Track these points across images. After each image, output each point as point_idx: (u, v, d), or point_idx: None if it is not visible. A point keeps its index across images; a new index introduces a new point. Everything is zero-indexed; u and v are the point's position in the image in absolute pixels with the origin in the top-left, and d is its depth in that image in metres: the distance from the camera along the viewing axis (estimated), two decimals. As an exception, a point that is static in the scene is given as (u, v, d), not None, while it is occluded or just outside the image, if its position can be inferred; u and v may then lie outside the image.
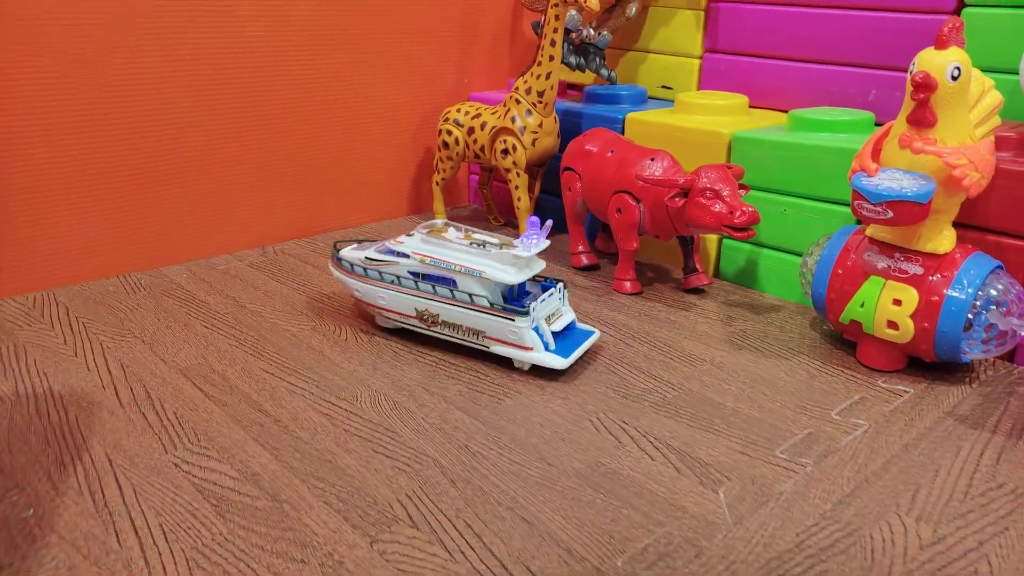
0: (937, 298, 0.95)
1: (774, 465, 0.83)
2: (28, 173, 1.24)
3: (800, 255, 1.26)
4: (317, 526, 0.73)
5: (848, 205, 1.18)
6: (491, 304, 1.01)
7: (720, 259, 1.39)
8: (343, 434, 0.88)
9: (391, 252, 1.09)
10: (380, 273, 1.09)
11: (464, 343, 1.06)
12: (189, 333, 1.13)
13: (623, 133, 1.49)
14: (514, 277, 1.01)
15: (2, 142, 1.20)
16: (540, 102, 1.45)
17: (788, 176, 1.25)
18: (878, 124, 1.26)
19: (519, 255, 1.01)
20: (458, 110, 1.58)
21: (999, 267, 0.97)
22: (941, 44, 0.92)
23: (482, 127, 1.52)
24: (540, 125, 1.46)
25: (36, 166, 1.25)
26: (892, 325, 0.98)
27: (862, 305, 1.01)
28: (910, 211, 0.91)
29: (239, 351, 1.08)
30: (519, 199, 1.51)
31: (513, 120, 1.47)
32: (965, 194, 0.93)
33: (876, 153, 0.99)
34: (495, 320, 1.01)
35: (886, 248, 1.00)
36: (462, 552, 0.69)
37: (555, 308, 1.06)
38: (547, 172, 1.62)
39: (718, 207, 1.13)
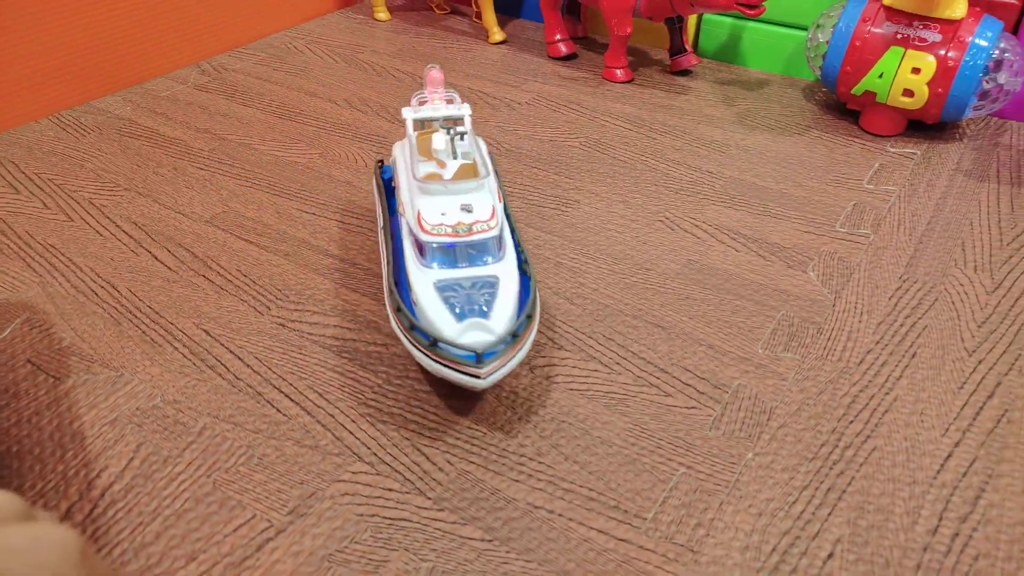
0: (953, 63, 1.01)
1: (841, 240, 0.90)
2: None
3: (782, 25, 1.28)
4: (466, 363, 0.73)
5: (842, -29, 1.19)
6: None
7: (699, 36, 1.37)
8: (432, 267, 0.86)
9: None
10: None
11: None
12: (187, 178, 1.02)
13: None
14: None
15: None
16: None
17: (778, -58, 1.22)
18: None
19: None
20: None
21: (1003, 27, 1.04)
22: None
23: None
24: None
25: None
26: (908, 93, 1.04)
27: (880, 76, 1.05)
28: None
29: (258, 192, 0.99)
30: (480, -15, 1.39)
31: None
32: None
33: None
34: None
35: (904, 17, 1.03)
36: (619, 364, 0.73)
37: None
38: (500, -50, 1.48)
39: (732, -17, 1.10)
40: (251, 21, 1.44)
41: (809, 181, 1.01)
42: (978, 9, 1.03)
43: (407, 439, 0.65)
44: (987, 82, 1.02)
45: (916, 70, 1.02)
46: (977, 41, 1.00)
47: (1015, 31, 1.11)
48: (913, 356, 0.74)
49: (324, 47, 1.42)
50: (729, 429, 0.66)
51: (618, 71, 1.29)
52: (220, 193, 0.99)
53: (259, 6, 1.44)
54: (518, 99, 1.23)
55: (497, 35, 1.44)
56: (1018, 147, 1.08)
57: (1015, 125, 1.14)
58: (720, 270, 0.85)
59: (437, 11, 1.60)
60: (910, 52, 1.03)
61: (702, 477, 0.62)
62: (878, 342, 0.75)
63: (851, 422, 0.67)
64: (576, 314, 0.79)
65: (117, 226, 0.92)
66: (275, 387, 0.71)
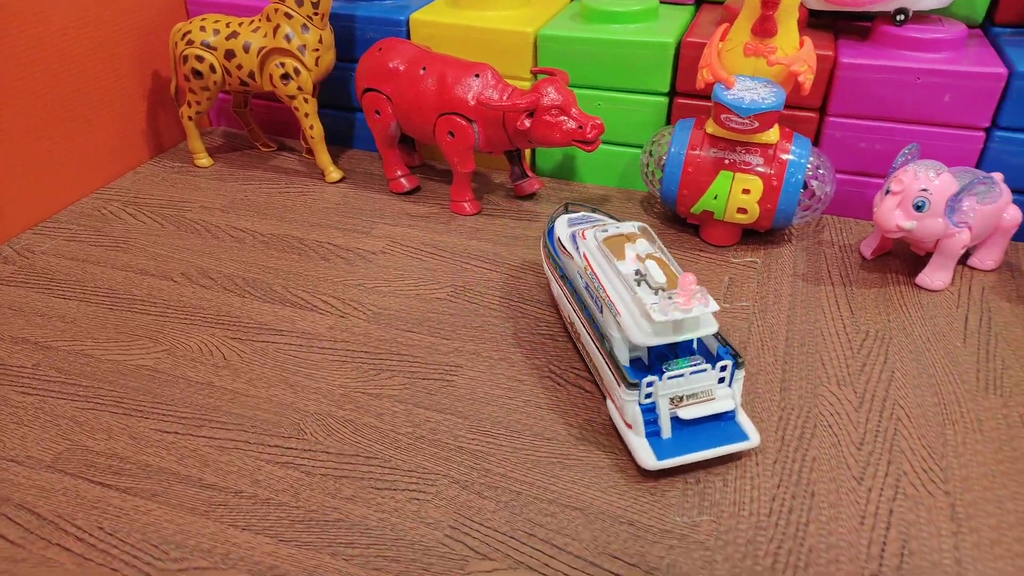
0: (777, 183, 1.10)
1: (717, 371, 0.94)
2: None
3: (615, 144, 1.34)
4: (389, 598, 0.68)
5: (660, 95, 1.27)
6: (611, 354, 0.82)
7: (536, 156, 1.41)
8: (327, 481, 0.80)
9: (574, 240, 0.93)
10: (559, 266, 0.97)
11: (593, 377, 0.92)
12: (11, 410, 0.89)
13: (408, 37, 1.38)
14: (640, 337, 0.77)
15: None
16: (316, 13, 1.27)
17: (598, 71, 1.29)
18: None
19: (652, 317, 0.76)
20: (201, 28, 1.31)
21: (810, 143, 1.15)
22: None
23: (245, 49, 1.30)
24: (320, 40, 1.29)
25: None
26: (741, 211, 1.13)
27: (715, 198, 1.13)
28: (770, 118, 1.02)
29: (104, 414, 0.88)
30: (311, 126, 1.35)
31: (287, 38, 1.27)
32: (802, 92, 1.07)
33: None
34: (608, 374, 0.83)
35: (726, 144, 1.12)
36: (548, 566, 0.71)
37: (699, 390, 0.81)
38: (324, 86, 1.45)
39: (569, 124, 1.14)
40: (52, 187, 1.30)
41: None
42: (788, 129, 1.14)
43: None
44: (808, 196, 1.13)
45: (746, 191, 1.11)
46: (793, 159, 1.10)
47: (816, 141, 1.23)
48: (812, 495, 0.78)
49: (144, 208, 1.31)
50: (672, 622, 0.66)
51: (466, 204, 1.30)
52: (58, 424, 0.87)
53: (58, 167, 1.31)
54: (371, 248, 1.20)
55: (334, 174, 1.40)
56: (839, 242, 1.20)
57: (831, 220, 1.26)
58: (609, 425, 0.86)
59: (263, 149, 1.53)
60: (738, 175, 1.11)
61: None
62: (779, 485, 0.79)
63: (780, 587, 0.69)
64: (490, 510, 0.77)
65: (-66, 493, 0.78)
66: None
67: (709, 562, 0.71)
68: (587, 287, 0.88)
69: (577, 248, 0.91)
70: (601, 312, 0.85)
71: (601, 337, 0.84)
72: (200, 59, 1.31)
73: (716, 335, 0.83)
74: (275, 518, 0.76)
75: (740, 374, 0.81)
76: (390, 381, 0.93)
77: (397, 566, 0.71)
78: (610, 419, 0.86)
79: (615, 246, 0.87)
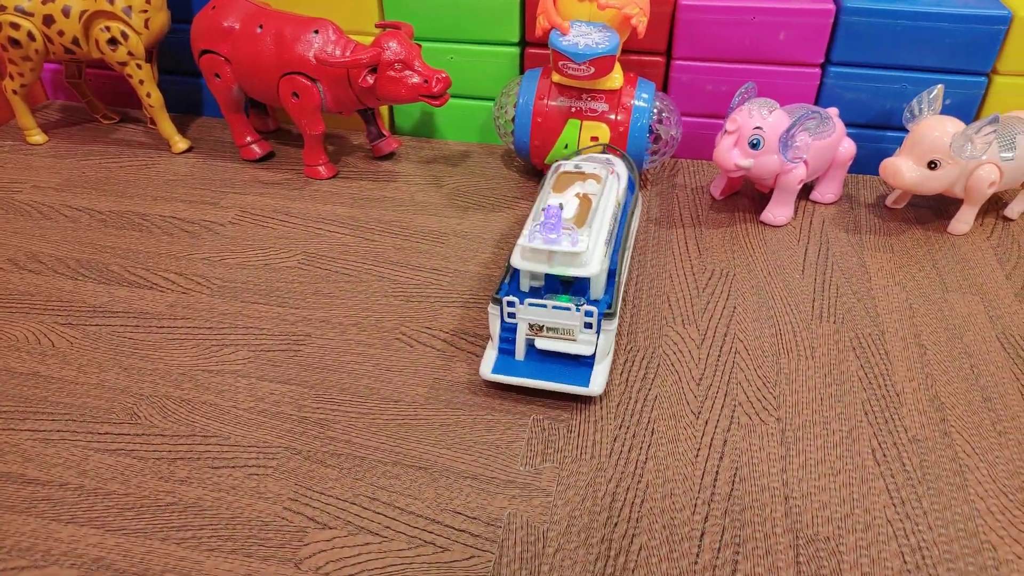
0: (623, 129, 1.11)
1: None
2: None
3: (471, 98, 1.32)
4: (223, 578, 0.66)
5: (511, 45, 1.25)
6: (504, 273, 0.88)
7: (394, 115, 1.38)
8: (160, 464, 0.76)
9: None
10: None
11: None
12: None
13: (246, -5, 1.30)
14: (515, 259, 0.82)
15: None
16: (141, -27, 1.18)
17: (447, 23, 1.26)
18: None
19: (521, 242, 0.81)
20: (14, -7, 1.21)
21: (654, 87, 1.16)
22: None
23: (65, 13, 1.20)
24: (148, 1, 1.21)
25: None
26: (592, 158, 1.13)
27: (566, 147, 1.13)
28: (606, 63, 1.02)
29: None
30: (148, 94, 1.27)
31: (111, 0, 1.18)
32: (637, 36, 1.06)
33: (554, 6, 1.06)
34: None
35: (573, 91, 1.11)
36: (389, 528, 0.70)
37: (560, 326, 0.83)
38: (166, 51, 1.37)
39: (413, 79, 1.11)
40: None
41: (527, 260, 1.06)
42: (632, 75, 1.14)
43: None
44: (653, 139, 1.14)
45: (594, 138, 1.11)
46: (637, 104, 1.11)
47: (663, 86, 1.24)
48: (652, 433, 0.79)
49: (-31, 191, 1.21)
50: (510, 570, 0.67)
51: (320, 167, 1.25)
52: None
53: None
54: (219, 219, 1.15)
55: (180, 143, 1.33)
56: (690, 184, 1.22)
57: (685, 164, 1.28)
58: (466, 383, 0.86)
59: (104, 121, 1.43)
60: (586, 123, 1.11)
61: (496, 638, 0.61)
62: (620, 425, 0.80)
63: (615, 524, 0.70)
64: (332, 478, 0.75)
65: None
66: None
67: (549, 507, 0.72)
68: None
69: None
70: None
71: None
72: (15, 26, 1.20)
73: (612, 287, 0.86)
74: (102, 508, 0.72)
75: (610, 325, 0.82)
76: (233, 356, 0.89)
77: (232, 544, 0.69)
78: (459, 382, 0.86)
79: (567, 180, 0.91)
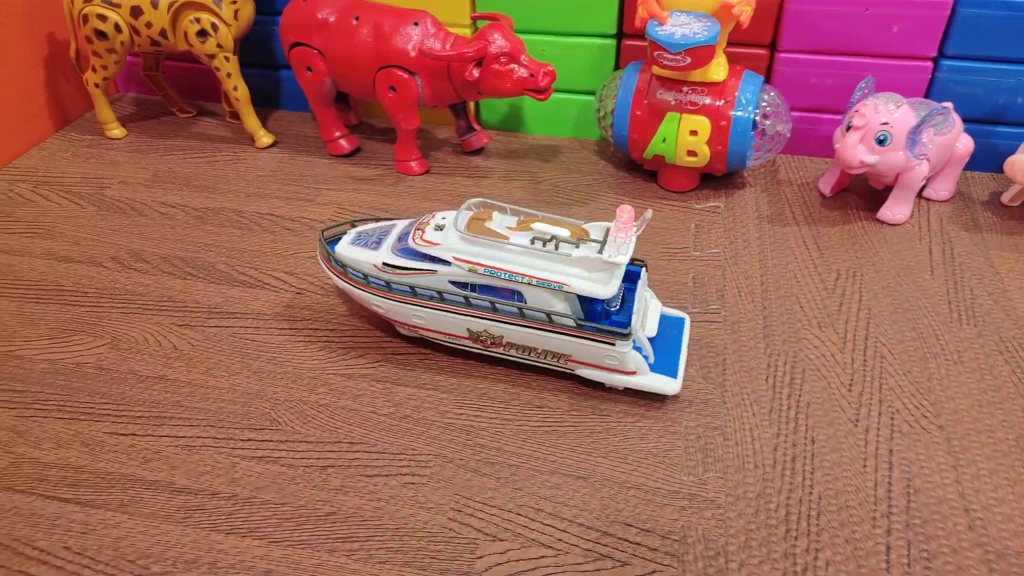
0: (725, 122, 1.08)
1: (698, 322, 0.92)
2: None
3: (563, 92, 1.29)
4: (399, 593, 0.64)
5: (607, 37, 1.22)
6: (577, 324, 0.77)
7: (479, 109, 1.35)
8: (312, 472, 0.74)
9: (421, 256, 0.80)
10: (412, 288, 0.81)
11: (537, 364, 0.84)
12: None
13: (336, -15, 1.27)
14: (606, 289, 0.74)
15: None
16: (232, -39, 1.15)
17: (541, 14, 1.23)
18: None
19: (611, 261, 0.73)
20: (102, -16, 1.18)
21: (763, 80, 1.13)
22: None
23: (154, 4, 1.17)
24: (238, -8, 1.18)
25: None
26: (691, 153, 1.10)
27: (664, 140, 1.10)
28: (704, 53, 0.99)
29: (49, 421, 0.79)
30: (235, 87, 1.24)
31: (202, -10, 1.15)
32: (741, 27, 1.03)
33: (657, -4, 1.03)
34: (587, 345, 0.78)
35: (673, 84, 1.08)
36: (562, 540, 0.68)
37: (644, 304, 0.83)
38: (245, 43, 1.33)
39: (520, 73, 1.08)
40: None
41: (643, 258, 1.03)
42: (739, 67, 1.11)
43: None
44: (759, 135, 1.10)
45: (694, 132, 1.08)
46: (742, 98, 1.08)
47: (768, 79, 1.21)
48: (813, 442, 0.77)
49: (56, 188, 1.19)
50: (696, 586, 0.64)
51: (413, 163, 1.22)
52: (-6, 437, 0.77)
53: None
54: (319, 216, 1.12)
55: (264, 139, 1.30)
56: (796, 181, 1.19)
57: (785, 159, 1.25)
58: (606, 389, 0.83)
59: (180, 115, 1.40)
60: (685, 116, 1.08)
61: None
62: (778, 434, 0.78)
63: (796, 538, 0.68)
64: (492, 487, 0.73)
65: None
66: None
67: (723, 520, 0.70)
68: (483, 288, 0.79)
69: (436, 259, 0.79)
70: (522, 297, 0.78)
71: (547, 320, 0.78)
72: (103, 18, 1.17)
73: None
74: (260, 518, 0.70)
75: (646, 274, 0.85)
76: (362, 359, 0.87)
77: (403, 556, 0.67)
78: (599, 387, 0.83)
79: (480, 231, 0.78)
